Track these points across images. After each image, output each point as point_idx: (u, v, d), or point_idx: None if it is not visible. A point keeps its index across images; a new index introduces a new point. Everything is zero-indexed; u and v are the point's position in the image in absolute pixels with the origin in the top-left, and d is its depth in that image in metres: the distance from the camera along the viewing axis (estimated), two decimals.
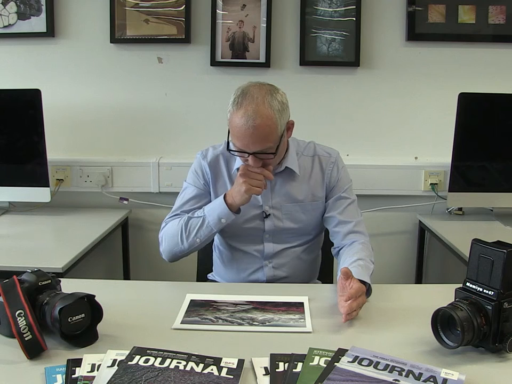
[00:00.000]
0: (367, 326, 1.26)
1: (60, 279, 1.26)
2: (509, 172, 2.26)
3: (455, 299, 1.14)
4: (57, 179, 2.45)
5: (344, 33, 2.37)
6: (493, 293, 1.08)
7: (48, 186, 2.25)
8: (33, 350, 1.08)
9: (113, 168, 2.46)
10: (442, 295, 1.21)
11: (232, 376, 1.01)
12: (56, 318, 1.10)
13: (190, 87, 2.46)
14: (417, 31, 2.37)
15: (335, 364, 1.04)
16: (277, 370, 1.03)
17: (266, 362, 1.06)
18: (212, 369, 1.02)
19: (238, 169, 1.61)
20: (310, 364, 1.05)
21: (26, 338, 1.07)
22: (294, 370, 1.03)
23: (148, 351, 1.07)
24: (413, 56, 2.42)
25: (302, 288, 1.54)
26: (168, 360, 1.04)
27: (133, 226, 2.54)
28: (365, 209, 2.31)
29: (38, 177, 2.25)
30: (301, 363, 1.05)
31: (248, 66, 2.41)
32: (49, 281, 1.19)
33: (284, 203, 1.64)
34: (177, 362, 1.04)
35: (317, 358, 1.07)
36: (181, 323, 1.26)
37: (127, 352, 1.07)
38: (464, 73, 2.40)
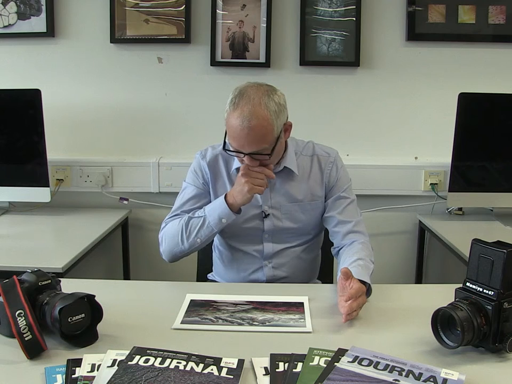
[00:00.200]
0: (367, 326, 1.26)
1: (60, 279, 1.26)
2: (509, 172, 2.26)
3: (455, 299, 1.14)
4: (57, 179, 2.45)
5: (344, 33, 2.36)
6: (493, 293, 1.08)
7: (48, 186, 2.25)
8: (33, 350, 1.08)
9: (113, 168, 2.46)
10: (442, 295, 1.21)
11: (232, 376, 1.01)
12: (56, 318, 1.10)
13: (190, 87, 2.46)
14: (417, 31, 2.37)
15: (335, 363, 1.04)
16: (277, 370, 1.03)
17: (266, 362, 1.06)
18: (211, 369, 1.02)
19: (237, 169, 1.62)
20: (310, 363, 1.05)
21: (26, 338, 1.07)
22: (294, 370, 1.03)
23: (147, 351, 1.07)
24: (413, 56, 2.42)
25: (302, 288, 1.54)
26: (168, 360, 1.04)
27: (133, 226, 2.54)
28: (365, 209, 2.31)
29: (38, 177, 2.25)
30: (301, 363, 1.05)
31: (248, 66, 2.41)
32: (49, 281, 1.19)
33: (283, 203, 1.64)
34: (177, 362, 1.04)
35: (317, 358, 1.07)
36: (181, 323, 1.26)
37: (127, 352, 1.07)
38: (464, 73, 2.40)
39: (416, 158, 2.48)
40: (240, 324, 1.25)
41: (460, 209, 2.45)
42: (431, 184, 2.42)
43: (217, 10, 2.37)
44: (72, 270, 1.82)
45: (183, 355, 1.06)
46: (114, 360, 1.05)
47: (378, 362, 1.04)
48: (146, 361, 1.04)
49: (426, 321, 1.12)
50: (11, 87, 2.27)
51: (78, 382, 0.98)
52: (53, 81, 2.44)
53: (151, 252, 2.51)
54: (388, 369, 1.02)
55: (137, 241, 2.56)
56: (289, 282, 1.66)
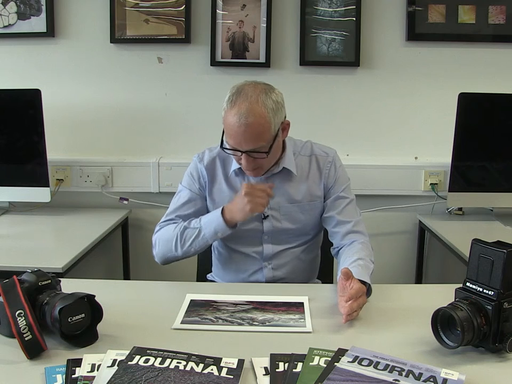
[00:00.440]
0: (367, 326, 1.26)
1: (60, 279, 1.26)
2: (509, 172, 2.26)
3: (455, 299, 1.14)
4: (57, 179, 2.45)
5: (344, 33, 2.36)
6: (493, 293, 1.08)
7: (48, 186, 2.25)
8: (33, 350, 1.08)
9: (113, 168, 2.46)
10: (442, 295, 1.21)
11: (232, 376, 1.01)
12: (56, 318, 1.10)
13: (190, 87, 2.46)
14: (417, 31, 2.37)
15: (335, 363, 1.04)
16: (277, 370, 1.03)
17: (266, 362, 1.06)
18: (211, 369, 1.02)
19: (235, 171, 1.62)
20: (310, 363, 1.05)
21: (26, 338, 1.07)
22: (294, 370, 1.03)
23: (148, 351, 1.07)
24: (413, 56, 2.42)
25: (302, 288, 1.54)
26: (168, 360, 1.04)
27: (133, 226, 2.54)
28: (365, 209, 2.32)
29: (38, 177, 2.25)
30: (301, 363, 1.05)
31: (248, 66, 2.41)
32: (49, 281, 1.19)
33: (282, 204, 1.64)
34: (177, 362, 1.04)
35: (317, 358, 1.07)
36: (181, 323, 1.26)
37: (127, 352, 1.07)
38: (464, 73, 2.40)
39: (416, 158, 2.48)
40: (240, 324, 1.25)
41: (460, 209, 2.45)
42: (431, 184, 2.42)
43: (217, 10, 2.37)
44: (72, 270, 1.82)
45: (183, 355, 1.06)
46: (114, 360, 1.05)
47: (378, 362, 1.04)
48: (146, 361, 1.04)
49: (426, 321, 1.12)
50: (11, 87, 2.27)
51: (78, 382, 0.98)
52: (53, 81, 2.44)
53: (151, 252, 2.47)
54: (388, 369, 1.02)
55: (137, 241, 2.56)
56: (289, 282, 1.66)
